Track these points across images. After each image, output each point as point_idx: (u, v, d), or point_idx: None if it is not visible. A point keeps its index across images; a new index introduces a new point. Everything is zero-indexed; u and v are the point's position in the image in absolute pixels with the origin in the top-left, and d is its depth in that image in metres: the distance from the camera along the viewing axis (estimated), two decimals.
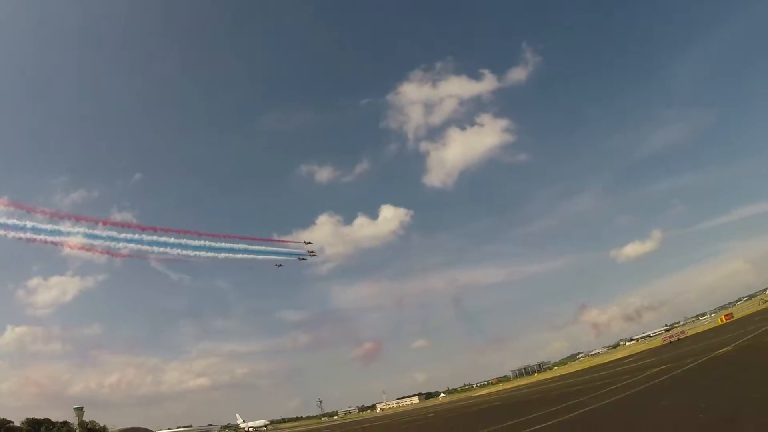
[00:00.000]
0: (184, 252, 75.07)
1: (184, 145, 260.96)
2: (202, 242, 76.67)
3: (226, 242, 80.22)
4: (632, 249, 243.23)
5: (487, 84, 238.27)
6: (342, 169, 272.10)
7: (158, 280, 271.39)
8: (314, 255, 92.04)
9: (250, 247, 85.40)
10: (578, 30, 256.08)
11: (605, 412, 21.53)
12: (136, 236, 72.83)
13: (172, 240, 73.62)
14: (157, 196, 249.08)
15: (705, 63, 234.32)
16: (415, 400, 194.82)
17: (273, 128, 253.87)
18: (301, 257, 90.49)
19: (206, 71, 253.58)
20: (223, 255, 79.85)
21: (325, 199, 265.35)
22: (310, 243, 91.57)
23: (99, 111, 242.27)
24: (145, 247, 73.61)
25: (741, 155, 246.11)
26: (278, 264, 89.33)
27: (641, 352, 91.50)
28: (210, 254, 78.73)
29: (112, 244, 72.81)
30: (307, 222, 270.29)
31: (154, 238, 72.79)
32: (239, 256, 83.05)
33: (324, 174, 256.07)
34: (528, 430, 20.81)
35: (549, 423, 21.59)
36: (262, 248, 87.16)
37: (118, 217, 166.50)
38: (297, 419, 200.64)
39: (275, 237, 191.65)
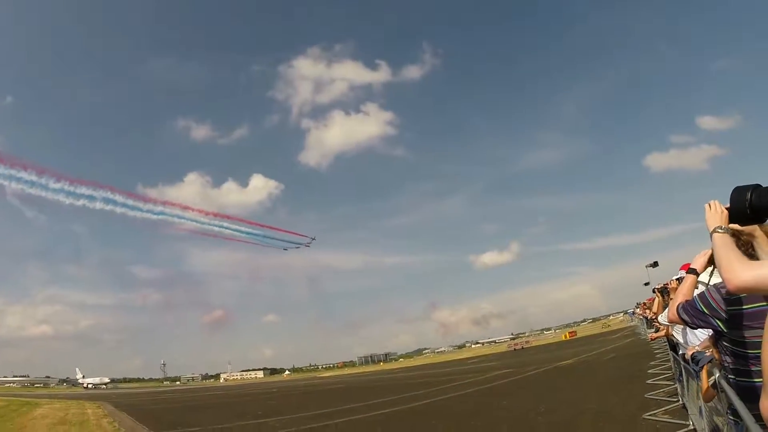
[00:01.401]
0: (44, 193, 69.33)
1: (65, 78, 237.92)
2: (62, 185, 71.19)
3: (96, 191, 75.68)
4: (490, 257, 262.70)
5: (380, 75, 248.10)
6: (220, 130, 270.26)
7: (11, 215, 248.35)
8: (308, 246, 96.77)
9: (253, 231, 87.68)
10: (481, 42, 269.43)
11: (446, 405, 21.44)
12: None
13: (33, 177, 67.64)
14: (28, 126, 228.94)
15: (593, 98, 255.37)
16: (260, 374, 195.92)
17: (160, 75, 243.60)
18: (297, 245, 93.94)
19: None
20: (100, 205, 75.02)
21: (198, 158, 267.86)
22: (314, 239, 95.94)
23: None
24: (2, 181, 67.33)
25: (609, 190, 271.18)
26: (285, 248, 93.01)
27: (486, 355, 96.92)
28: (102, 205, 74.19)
29: None
30: (176, 178, 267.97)
31: (12, 172, 66.38)
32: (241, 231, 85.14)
33: (201, 132, 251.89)
34: (368, 414, 20.35)
35: (391, 410, 21.25)
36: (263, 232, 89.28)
37: None
38: (138, 380, 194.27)
39: (140, 187, 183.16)
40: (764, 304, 3.37)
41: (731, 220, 2.25)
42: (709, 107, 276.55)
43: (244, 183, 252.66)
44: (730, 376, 3.67)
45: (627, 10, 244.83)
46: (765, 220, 1.84)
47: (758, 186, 1.89)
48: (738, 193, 2.01)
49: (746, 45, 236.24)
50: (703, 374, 5.38)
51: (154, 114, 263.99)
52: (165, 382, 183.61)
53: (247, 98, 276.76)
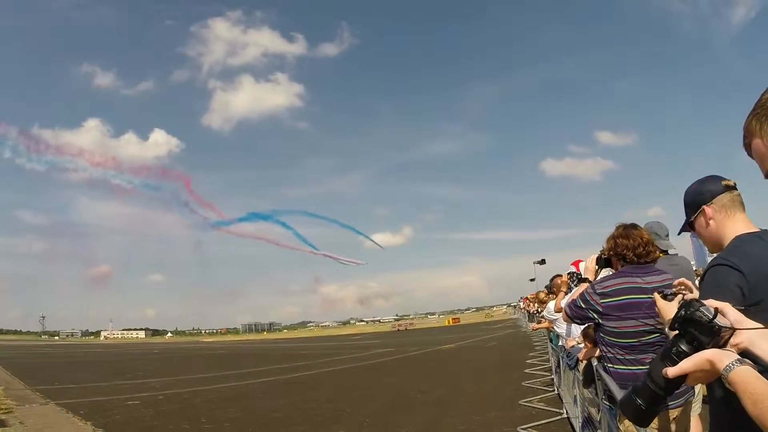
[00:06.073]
0: None
1: None
2: None
3: None
4: (382, 238, 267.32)
5: (296, 47, 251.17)
6: (125, 80, 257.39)
7: None
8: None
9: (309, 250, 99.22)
10: (399, 29, 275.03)
11: (328, 377, 21.94)
12: None
13: None
14: None
15: (500, 97, 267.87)
16: (142, 334, 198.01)
17: (68, 13, 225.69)
18: (354, 262, 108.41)
19: None
20: None
21: (99, 105, 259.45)
22: (366, 263, 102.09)
23: None
24: None
25: (504, 187, 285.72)
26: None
27: (370, 333, 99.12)
28: None
29: None
30: (74, 123, 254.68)
31: None
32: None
33: (105, 79, 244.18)
34: (250, 381, 20.53)
35: (273, 378, 21.68)
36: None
37: None
38: (15, 333, 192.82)
39: (36, 128, 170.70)
40: (634, 296, 4.01)
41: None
42: (609, 123, 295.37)
43: (144, 137, 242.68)
44: (607, 364, 4.23)
45: (542, 19, 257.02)
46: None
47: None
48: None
49: (649, 69, 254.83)
50: (582, 355, 6.10)
51: (58, 53, 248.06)
52: (43, 337, 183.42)
53: (157, 51, 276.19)
